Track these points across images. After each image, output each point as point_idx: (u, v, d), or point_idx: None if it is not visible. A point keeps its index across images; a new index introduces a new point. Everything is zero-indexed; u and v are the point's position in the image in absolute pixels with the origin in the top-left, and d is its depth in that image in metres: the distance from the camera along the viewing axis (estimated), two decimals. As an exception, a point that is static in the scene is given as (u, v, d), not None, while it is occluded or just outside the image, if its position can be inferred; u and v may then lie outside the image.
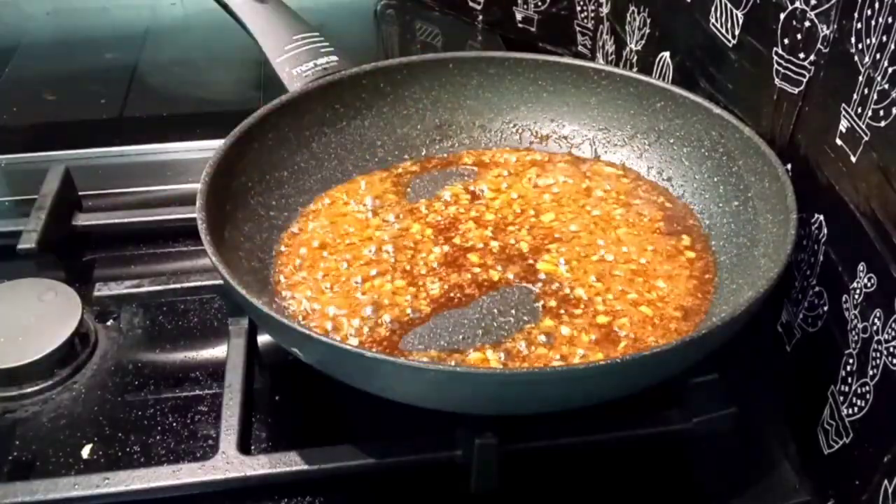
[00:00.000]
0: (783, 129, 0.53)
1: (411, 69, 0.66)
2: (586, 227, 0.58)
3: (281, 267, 0.55)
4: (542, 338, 0.49)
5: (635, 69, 0.71)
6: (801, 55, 0.49)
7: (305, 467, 0.47)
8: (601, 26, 0.80)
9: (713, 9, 0.58)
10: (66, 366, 0.55)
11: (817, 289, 0.49)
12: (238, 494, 0.48)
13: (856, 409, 0.44)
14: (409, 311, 0.51)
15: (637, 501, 0.50)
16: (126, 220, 0.67)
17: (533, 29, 0.90)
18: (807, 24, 0.48)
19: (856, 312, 0.45)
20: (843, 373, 0.46)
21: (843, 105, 0.45)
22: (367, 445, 0.48)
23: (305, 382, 0.51)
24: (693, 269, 0.54)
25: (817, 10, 0.47)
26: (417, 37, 0.97)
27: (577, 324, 0.50)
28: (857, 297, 0.45)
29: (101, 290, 0.56)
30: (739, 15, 0.55)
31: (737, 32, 0.55)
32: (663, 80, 0.66)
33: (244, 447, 0.49)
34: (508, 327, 0.50)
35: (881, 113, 0.42)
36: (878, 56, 0.42)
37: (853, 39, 0.44)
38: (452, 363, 0.48)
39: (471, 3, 0.95)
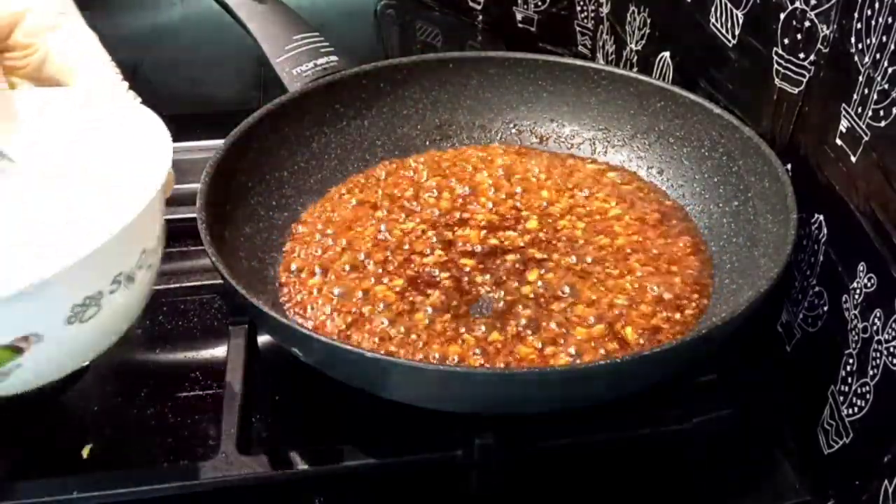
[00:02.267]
0: (783, 129, 0.53)
1: (411, 69, 0.66)
2: (584, 227, 0.58)
3: (281, 267, 0.55)
4: (539, 343, 0.49)
5: (635, 69, 0.71)
6: (801, 55, 0.49)
7: (305, 467, 0.47)
8: (601, 26, 0.80)
9: (713, 9, 0.58)
10: (66, 366, 0.55)
11: (817, 289, 0.49)
12: (238, 494, 0.48)
13: (856, 409, 0.44)
14: (406, 312, 0.51)
15: (637, 501, 0.50)
16: (126, 220, 0.67)
17: (533, 29, 0.90)
18: (807, 24, 0.48)
19: (856, 312, 0.45)
20: (843, 373, 0.46)
21: (843, 105, 0.45)
22: (367, 445, 0.48)
23: (305, 382, 0.51)
24: (692, 270, 0.54)
25: (817, 10, 0.47)
26: (417, 37, 0.97)
27: (573, 325, 0.50)
28: (857, 297, 0.45)
29: (102, 290, 0.56)
30: (739, 15, 0.55)
31: (737, 32, 0.55)
32: (663, 80, 0.66)
33: (244, 447, 0.49)
34: (504, 333, 0.50)
35: (881, 113, 0.42)
36: (878, 56, 0.42)
37: (853, 39, 0.44)
38: (453, 361, 0.48)
39: (471, 3, 0.95)
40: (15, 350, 0.38)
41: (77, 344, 0.40)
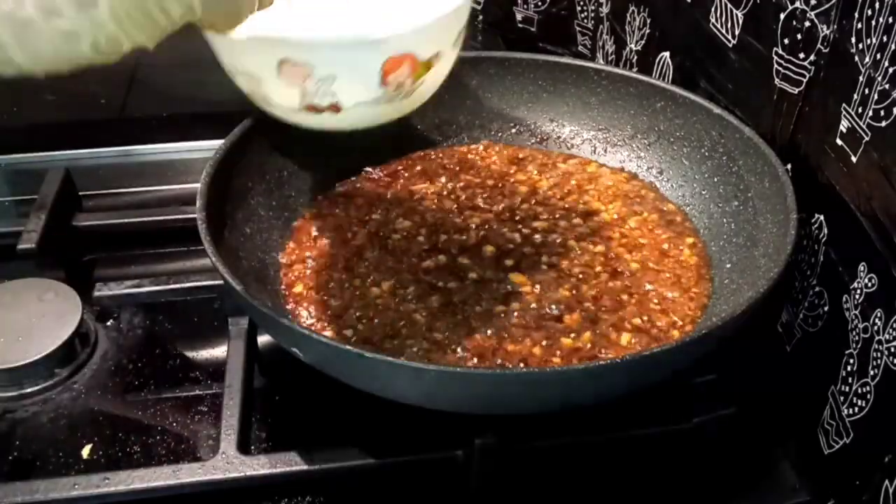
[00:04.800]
0: (783, 129, 0.53)
1: (411, 69, 0.66)
2: (583, 228, 0.58)
3: (281, 267, 0.55)
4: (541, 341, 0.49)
5: (635, 69, 0.71)
6: (801, 55, 0.49)
7: (305, 467, 0.47)
8: (601, 26, 0.80)
9: (713, 9, 0.58)
10: (66, 366, 0.55)
11: (817, 289, 0.49)
12: (238, 494, 0.48)
13: (856, 409, 0.44)
14: (404, 313, 0.51)
15: (637, 501, 0.50)
16: (126, 220, 0.67)
17: (533, 29, 0.90)
18: (807, 24, 0.48)
19: (856, 312, 0.45)
20: (843, 373, 0.46)
21: (844, 105, 0.45)
22: (367, 445, 0.48)
23: (305, 382, 0.51)
24: (692, 270, 0.54)
25: (817, 10, 0.47)
26: (417, 37, 0.97)
27: (573, 325, 0.50)
28: (857, 297, 0.45)
29: (101, 290, 0.56)
30: (739, 15, 0.55)
31: (737, 32, 0.55)
32: (663, 80, 0.66)
33: (244, 447, 0.49)
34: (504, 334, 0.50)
35: (882, 113, 0.42)
36: (878, 56, 0.42)
37: (853, 39, 0.44)
38: (452, 363, 0.48)
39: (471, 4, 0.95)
40: (427, 66, 0.47)
41: (446, 71, 0.49)
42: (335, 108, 0.46)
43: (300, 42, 0.43)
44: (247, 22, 0.41)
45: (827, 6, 0.46)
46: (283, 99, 0.46)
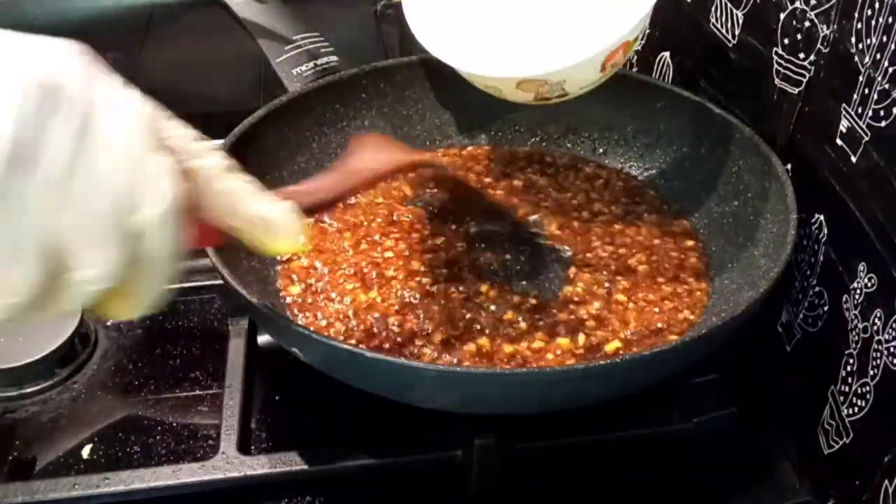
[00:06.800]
0: (783, 129, 0.53)
1: (411, 69, 0.66)
2: (583, 229, 0.58)
3: (281, 267, 0.55)
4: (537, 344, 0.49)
5: (635, 69, 0.71)
6: (801, 55, 0.49)
7: (305, 467, 0.47)
8: (601, 26, 0.80)
9: (713, 9, 0.58)
10: (66, 366, 0.55)
11: (817, 289, 0.49)
12: (238, 494, 0.48)
13: (856, 409, 0.44)
14: (403, 314, 0.51)
15: (637, 501, 0.50)
16: (126, 220, 0.67)
17: (533, 29, 0.90)
18: (807, 24, 0.48)
19: (856, 312, 0.45)
20: (843, 373, 0.46)
21: (844, 105, 0.45)
22: (367, 445, 0.48)
23: (305, 382, 0.51)
24: (692, 270, 0.54)
25: (817, 10, 0.47)
26: (417, 37, 0.97)
27: (574, 325, 0.50)
28: (857, 297, 0.45)
29: (102, 290, 0.56)
30: (739, 15, 0.55)
31: (737, 32, 0.55)
32: (663, 80, 0.66)
33: (244, 447, 0.49)
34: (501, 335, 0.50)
35: (881, 113, 0.42)
36: (878, 56, 0.42)
37: (853, 39, 0.44)
38: (453, 361, 0.48)
39: (471, 3, 0.95)
40: (636, 41, 0.52)
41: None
42: (562, 96, 0.53)
43: (537, 70, 0.49)
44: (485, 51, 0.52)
45: (827, 6, 0.46)
46: (518, 97, 0.53)
